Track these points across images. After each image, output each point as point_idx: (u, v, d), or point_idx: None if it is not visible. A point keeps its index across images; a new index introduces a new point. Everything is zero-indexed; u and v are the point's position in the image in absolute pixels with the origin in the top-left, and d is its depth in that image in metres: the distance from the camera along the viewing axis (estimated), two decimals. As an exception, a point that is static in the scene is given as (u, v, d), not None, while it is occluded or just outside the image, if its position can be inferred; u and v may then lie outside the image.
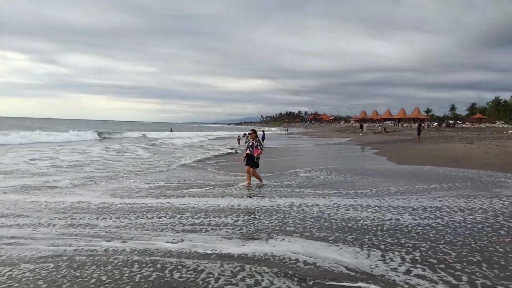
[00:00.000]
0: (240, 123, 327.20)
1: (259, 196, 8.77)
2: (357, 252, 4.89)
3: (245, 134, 36.68)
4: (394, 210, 7.19)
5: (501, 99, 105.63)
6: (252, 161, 9.80)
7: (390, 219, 6.59)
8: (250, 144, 10.00)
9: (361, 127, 52.45)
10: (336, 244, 5.24)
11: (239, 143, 32.46)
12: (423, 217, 6.68)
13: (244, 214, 7.10)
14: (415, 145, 25.16)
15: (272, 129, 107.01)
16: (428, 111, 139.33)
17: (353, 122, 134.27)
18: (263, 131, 35.33)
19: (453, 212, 6.98)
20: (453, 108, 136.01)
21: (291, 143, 35.76)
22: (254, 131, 10.24)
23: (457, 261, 4.60)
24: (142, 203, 8.04)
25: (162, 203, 8.06)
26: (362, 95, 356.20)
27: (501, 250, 4.98)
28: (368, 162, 16.31)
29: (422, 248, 5.03)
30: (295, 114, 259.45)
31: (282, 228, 6.08)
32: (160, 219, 6.71)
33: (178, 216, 6.93)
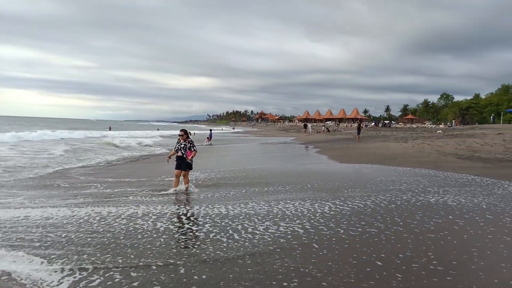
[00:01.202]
0: (186, 121, 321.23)
1: (55, 207, 7.47)
2: (41, 263, 4.55)
3: (192, 133, 35.54)
4: (200, 220, 6.44)
5: (429, 101, 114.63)
6: (184, 164, 8.91)
7: (179, 228, 5.99)
8: (182, 145, 9.00)
9: (305, 127, 52.43)
10: (42, 255, 4.79)
11: None
12: (219, 227, 5.92)
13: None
14: (355, 144, 25.96)
15: (224, 128, 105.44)
16: (365, 111, 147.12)
17: (297, 121, 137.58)
18: (210, 129, 34.46)
19: (260, 221, 6.22)
20: (388, 109, 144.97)
21: (235, 142, 35.33)
22: (185, 132, 9.19)
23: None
24: None
25: None
26: (304, 95, 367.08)
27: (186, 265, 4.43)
28: (305, 161, 16.28)
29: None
30: (241, 113, 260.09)
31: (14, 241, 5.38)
32: None
33: None
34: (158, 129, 78.53)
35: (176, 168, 9.00)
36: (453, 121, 72.68)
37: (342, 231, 5.72)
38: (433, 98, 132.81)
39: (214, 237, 5.48)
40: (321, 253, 4.79)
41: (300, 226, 5.99)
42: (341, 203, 7.54)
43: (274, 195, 8.40)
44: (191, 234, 5.72)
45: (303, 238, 5.41)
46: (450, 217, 6.48)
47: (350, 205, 7.37)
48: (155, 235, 5.60)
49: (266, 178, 10.92)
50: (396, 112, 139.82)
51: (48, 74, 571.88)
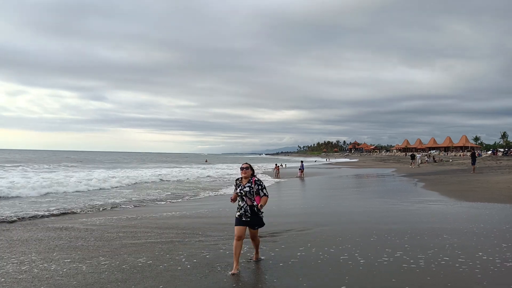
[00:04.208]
0: (277, 153, 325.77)
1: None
2: None
3: (283, 165, 33.31)
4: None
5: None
6: (256, 218, 5.37)
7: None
8: (246, 189, 5.36)
9: (413, 157, 43.16)
10: None
11: (276, 174, 30.17)
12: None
13: None
14: (472, 177, 21.80)
15: (317, 159, 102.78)
16: (476, 138, 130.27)
17: (395, 151, 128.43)
18: (302, 161, 32.78)
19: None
20: (504, 135, 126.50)
21: (327, 174, 33.07)
22: (250, 167, 5.54)
23: None
24: None
25: None
26: (402, 123, 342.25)
27: None
28: (412, 198, 13.46)
29: None
30: (333, 143, 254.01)
31: None
32: None
33: None
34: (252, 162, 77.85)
35: (238, 224, 5.30)
36: None
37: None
38: None
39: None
40: None
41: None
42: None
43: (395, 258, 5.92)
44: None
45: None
46: None
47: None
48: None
49: (371, 221, 8.88)
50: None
51: (157, 114, 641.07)
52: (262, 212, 5.48)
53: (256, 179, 5.47)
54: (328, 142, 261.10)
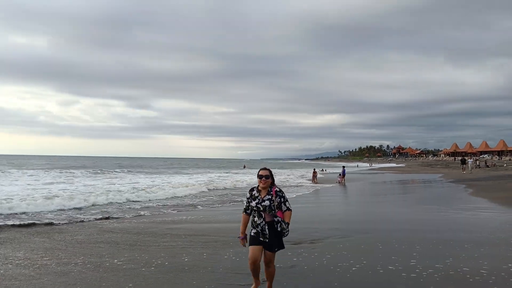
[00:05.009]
0: (317, 158, 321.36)
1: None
2: None
3: (315, 170, 32.51)
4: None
5: None
6: (277, 237, 4.40)
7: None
8: (266, 203, 4.39)
9: (464, 162, 40.47)
10: None
11: (314, 180, 29.83)
12: None
13: None
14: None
15: (359, 164, 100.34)
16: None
17: (443, 155, 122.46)
18: (343, 166, 32.00)
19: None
20: None
21: (370, 180, 32.24)
22: (271, 175, 4.52)
23: None
24: None
25: None
26: (450, 126, 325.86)
27: None
28: (458, 205, 12.85)
29: None
30: (376, 148, 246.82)
31: None
32: None
33: None
34: (295, 168, 77.67)
35: (252, 244, 4.42)
36: None
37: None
38: None
39: None
40: None
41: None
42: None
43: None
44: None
45: None
46: None
47: None
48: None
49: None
50: None
51: (197, 121, 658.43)
52: (288, 231, 4.42)
53: (277, 189, 4.49)
54: (371, 146, 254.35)
